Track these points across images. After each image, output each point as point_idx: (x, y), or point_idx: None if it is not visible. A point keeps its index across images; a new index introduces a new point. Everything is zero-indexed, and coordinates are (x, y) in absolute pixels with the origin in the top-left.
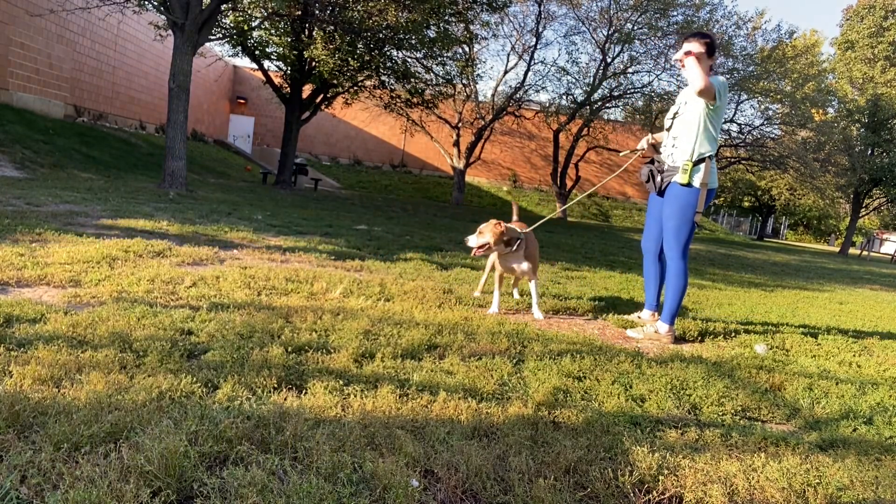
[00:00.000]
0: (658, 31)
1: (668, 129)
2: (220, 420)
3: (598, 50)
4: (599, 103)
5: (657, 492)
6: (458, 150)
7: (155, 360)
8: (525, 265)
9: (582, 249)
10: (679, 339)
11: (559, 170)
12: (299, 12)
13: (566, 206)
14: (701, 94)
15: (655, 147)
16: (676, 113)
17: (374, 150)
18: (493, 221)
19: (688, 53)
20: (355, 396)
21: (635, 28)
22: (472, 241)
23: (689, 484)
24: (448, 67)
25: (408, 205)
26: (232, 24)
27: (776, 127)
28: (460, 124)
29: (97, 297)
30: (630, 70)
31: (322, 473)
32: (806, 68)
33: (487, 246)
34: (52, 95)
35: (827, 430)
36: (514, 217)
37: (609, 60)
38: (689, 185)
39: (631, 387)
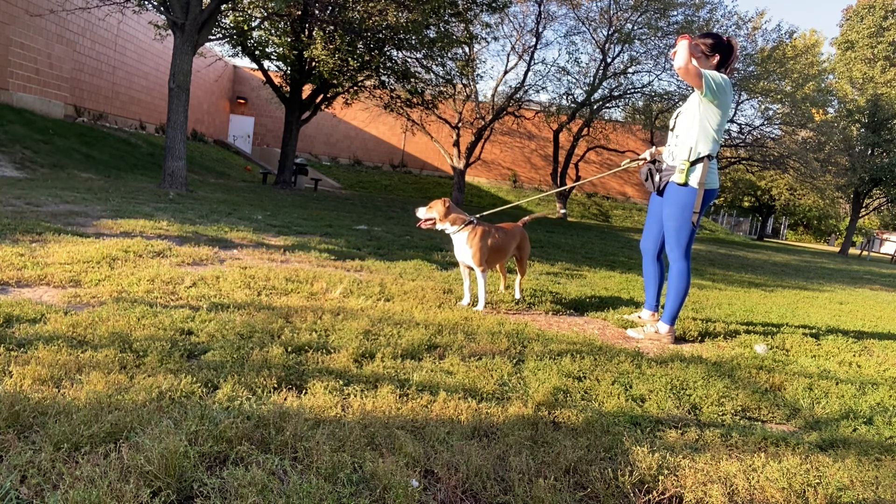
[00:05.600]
0: (658, 31)
1: (672, 129)
2: (220, 420)
3: (598, 50)
4: (600, 103)
5: (657, 492)
6: (458, 150)
7: (155, 360)
8: (466, 252)
9: (582, 249)
10: (679, 340)
11: (559, 170)
12: (299, 12)
13: (552, 190)
14: (682, 74)
15: (656, 159)
16: (680, 112)
17: (374, 150)
18: (442, 199)
19: (683, 37)
20: (355, 396)
21: (635, 28)
22: (421, 212)
23: (689, 484)
24: (448, 68)
25: (408, 205)
26: (232, 24)
27: (776, 127)
28: (460, 124)
29: (97, 297)
30: (630, 70)
31: (322, 473)
32: (806, 68)
33: (433, 221)
34: (52, 95)
35: (827, 430)
36: (526, 218)
37: (609, 60)
38: (686, 184)
39: (631, 387)
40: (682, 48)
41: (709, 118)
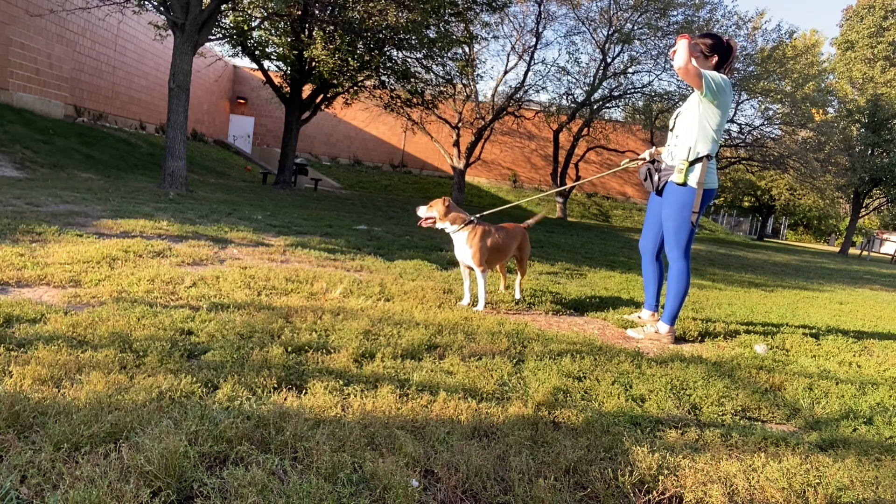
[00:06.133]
0: (658, 31)
1: (671, 129)
2: (220, 420)
3: (598, 50)
4: (599, 103)
5: (657, 492)
6: (458, 150)
7: (155, 360)
8: (466, 252)
9: (582, 249)
10: (679, 339)
11: (559, 170)
12: (299, 12)
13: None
14: (682, 74)
15: (655, 159)
16: (679, 112)
17: (374, 150)
18: (443, 198)
19: (683, 36)
20: (355, 396)
21: (635, 28)
22: (422, 211)
23: (689, 484)
24: (448, 68)
25: (408, 205)
26: (232, 24)
27: (776, 127)
28: (460, 124)
29: (97, 297)
30: (630, 70)
31: (322, 473)
32: (806, 68)
33: (433, 220)
34: (52, 95)
35: (827, 430)
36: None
37: (609, 60)
38: (684, 184)
39: (631, 387)
40: (681, 48)
41: (708, 118)
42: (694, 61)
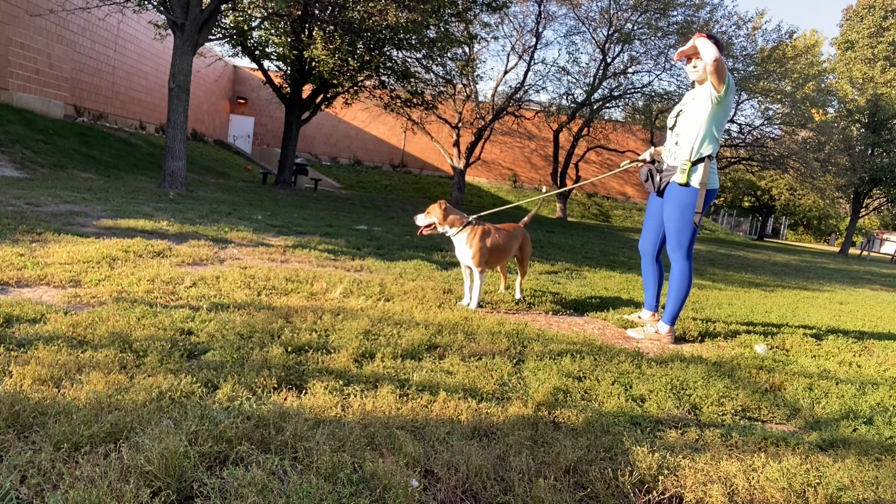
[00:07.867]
0: (658, 30)
1: (672, 128)
2: (220, 420)
3: (598, 50)
4: (599, 103)
5: (657, 492)
6: (458, 150)
7: (155, 360)
8: (466, 253)
9: (582, 249)
10: (679, 340)
11: (559, 170)
12: (299, 12)
13: (551, 192)
14: (714, 67)
15: (655, 160)
16: (681, 111)
17: (374, 150)
18: (439, 202)
19: (699, 35)
20: (355, 396)
21: (635, 28)
22: (420, 220)
23: (689, 484)
24: (448, 68)
25: (408, 205)
26: (232, 24)
27: (776, 127)
28: (460, 124)
29: (97, 297)
30: (630, 70)
31: (322, 473)
32: (806, 68)
33: (433, 226)
34: (52, 95)
35: (827, 430)
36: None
37: (609, 60)
38: (687, 185)
39: (631, 387)
40: (707, 44)
41: (716, 118)
42: (701, 62)
